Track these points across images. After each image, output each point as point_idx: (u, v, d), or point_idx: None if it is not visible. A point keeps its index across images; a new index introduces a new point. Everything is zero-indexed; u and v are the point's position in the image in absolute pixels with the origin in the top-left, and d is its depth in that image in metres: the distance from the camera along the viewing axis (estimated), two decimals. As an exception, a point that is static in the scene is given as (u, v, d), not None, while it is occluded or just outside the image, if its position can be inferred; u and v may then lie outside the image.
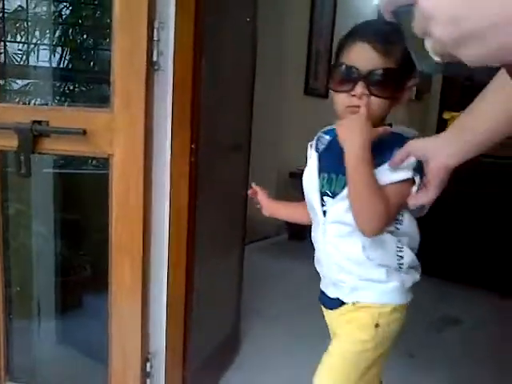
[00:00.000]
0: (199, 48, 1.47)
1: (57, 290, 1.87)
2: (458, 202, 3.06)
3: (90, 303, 1.78)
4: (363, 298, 1.11)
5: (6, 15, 1.62)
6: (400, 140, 1.02)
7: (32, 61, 1.83)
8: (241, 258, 2.18)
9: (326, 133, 1.17)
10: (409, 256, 1.10)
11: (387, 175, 1.02)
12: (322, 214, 1.10)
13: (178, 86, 1.44)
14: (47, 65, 1.84)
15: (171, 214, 1.49)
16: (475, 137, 0.83)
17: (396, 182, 1.01)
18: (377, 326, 1.10)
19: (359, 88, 1.00)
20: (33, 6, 1.84)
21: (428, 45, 0.46)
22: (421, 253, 1.12)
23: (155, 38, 1.40)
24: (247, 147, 2.10)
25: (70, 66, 1.87)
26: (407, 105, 4.79)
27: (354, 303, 1.12)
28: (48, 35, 1.84)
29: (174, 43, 1.42)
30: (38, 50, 1.82)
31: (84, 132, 1.38)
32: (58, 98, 1.83)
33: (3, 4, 1.63)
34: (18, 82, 1.76)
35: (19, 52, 1.73)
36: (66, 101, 1.80)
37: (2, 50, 1.66)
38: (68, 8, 1.84)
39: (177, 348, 1.55)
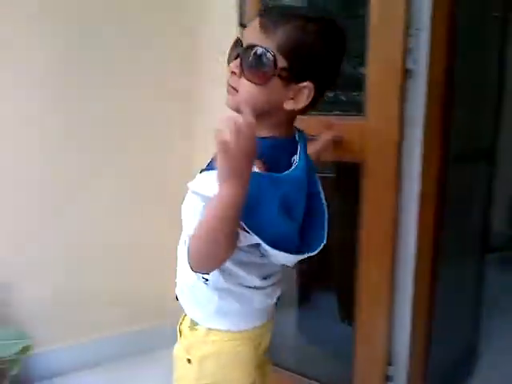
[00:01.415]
0: (452, 53, 1.43)
1: (299, 284, 2.01)
2: None
3: (328, 299, 1.90)
4: (184, 305, 0.98)
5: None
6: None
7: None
8: (479, 271, 2.05)
9: None
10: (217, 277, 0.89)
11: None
12: None
13: (431, 94, 1.40)
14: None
15: (419, 225, 1.46)
16: None
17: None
18: (189, 361, 0.94)
19: (234, 64, 0.84)
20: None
21: None
22: None
23: (410, 45, 1.39)
24: (492, 156, 1.96)
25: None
26: None
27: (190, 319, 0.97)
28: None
29: (430, 49, 1.39)
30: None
31: (343, 139, 1.46)
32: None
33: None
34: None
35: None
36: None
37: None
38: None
39: (419, 356, 1.54)
